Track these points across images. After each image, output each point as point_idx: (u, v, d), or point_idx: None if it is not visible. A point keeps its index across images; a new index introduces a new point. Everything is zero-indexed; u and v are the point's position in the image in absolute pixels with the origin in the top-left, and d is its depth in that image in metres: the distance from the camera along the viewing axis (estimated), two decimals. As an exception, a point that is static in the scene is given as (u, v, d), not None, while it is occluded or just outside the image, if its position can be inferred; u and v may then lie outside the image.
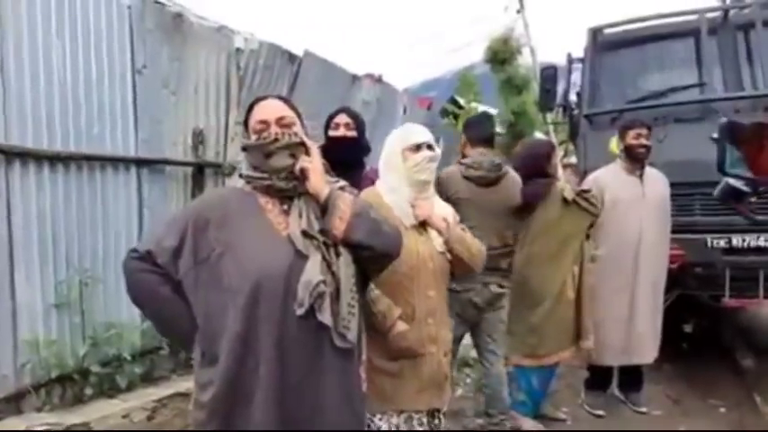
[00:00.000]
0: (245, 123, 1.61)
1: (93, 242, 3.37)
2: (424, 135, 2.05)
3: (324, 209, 1.51)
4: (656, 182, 3.62)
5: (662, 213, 3.60)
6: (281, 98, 1.66)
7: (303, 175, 1.53)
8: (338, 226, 1.49)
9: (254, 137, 1.56)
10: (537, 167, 3.26)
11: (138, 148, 3.60)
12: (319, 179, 1.54)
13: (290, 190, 1.55)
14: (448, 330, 2.11)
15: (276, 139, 1.53)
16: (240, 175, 1.65)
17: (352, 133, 2.53)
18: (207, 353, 1.47)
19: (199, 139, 3.95)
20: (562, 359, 3.37)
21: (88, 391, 3.18)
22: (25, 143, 3.00)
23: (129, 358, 3.34)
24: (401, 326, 1.92)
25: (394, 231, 1.63)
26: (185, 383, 3.38)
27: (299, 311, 1.41)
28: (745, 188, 2.38)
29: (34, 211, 3.07)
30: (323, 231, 1.50)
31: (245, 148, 1.60)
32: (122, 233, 3.52)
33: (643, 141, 3.51)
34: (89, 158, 3.32)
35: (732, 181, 2.41)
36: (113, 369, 3.29)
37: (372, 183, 2.17)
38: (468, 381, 4.29)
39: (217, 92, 4.11)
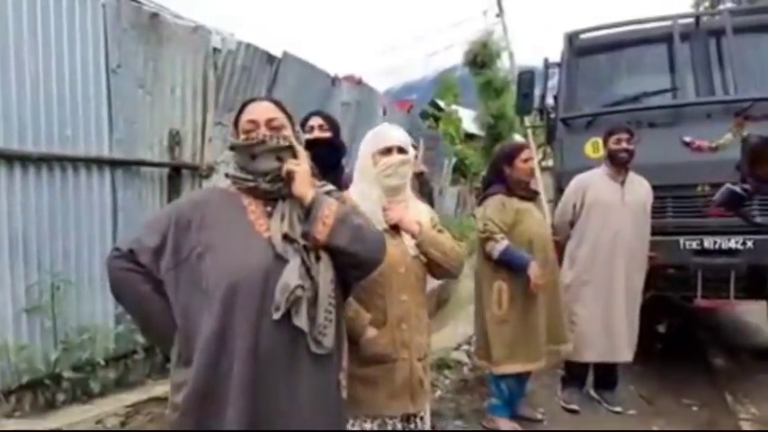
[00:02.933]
0: (236, 123, 1.60)
1: (66, 245, 3.31)
2: (395, 138, 2.00)
3: (308, 212, 1.50)
4: (638, 188, 3.69)
5: (641, 219, 3.67)
6: (273, 100, 1.64)
7: (289, 178, 1.52)
8: (321, 230, 1.48)
9: (242, 137, 1.55)
10: (495, 171, 3.34)
11: (112, 149, 3.54)
12: (305, 183, 1.53)
13: (275, 192, 1.54)
14: (423, 335, 2.07)
15: (263, 141, 1.52)
16: (226, 175, 1.64)
17: (326, 134, 2.52)
18: (183, 353, 1.46)
19: (175, 140, 3.91)
20: (521, 370, 3.28)
21: (60, 396, 3.12)
22: (-5, 144, 2.93)
23: (102, 363, 3.28)
24: (371, 332, 1.89)
25: (377, 238, 1.61)
26: (160, 388, 3.34)
27: (276, 315, 1.39)
28: (744, 194, 2.50)
29: (5, 212, 3.00)
30: (305, 235, 1.49)
31: (232, 147, 1.59)
32: (96, 235, 3.46)
33: (624, 146, 3.59)
34: (61, 159, 3.26)
35: (732, 186, 2.53)
36: (86, 374, 3.23)
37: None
38: (447, 382, 4.31)
39: (193, 92, 4.06)
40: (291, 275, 1.42)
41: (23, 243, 3.10)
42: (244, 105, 1.60)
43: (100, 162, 3.48)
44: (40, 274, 3.16)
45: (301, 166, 1.53)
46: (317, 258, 1.48)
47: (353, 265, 1.57)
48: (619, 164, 3.62)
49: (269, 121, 1.55)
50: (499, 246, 3.12)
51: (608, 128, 3.76)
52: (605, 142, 3.69)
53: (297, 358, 1.44)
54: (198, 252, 1.45)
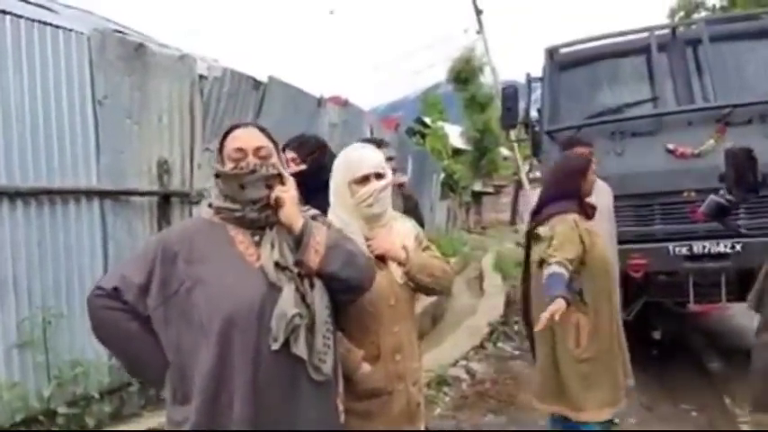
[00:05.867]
0: (220, 149, 1.55)
1: (57, 278, 3.28)
2: (371, 165, 1.86)
3: (298, 240, 1.49)
4: (602, 194, 3.65)
5: (609, 224, 3.64)
6: (258, 127, 1.60)
7: (278, 205, 1.50)
8: (313, 259, 1.47)
9: (229, 164, 1.51)
10: (565, 186, 2.87)
11: (100, 180, 3.53)
12: (294, 210, 1.51)
13: (262, 220, 1.52)
14: (416, 361, 2.01)
15: (254, 171, 1.49)
16: (209, 205, 1.59)
17: (300, 167, 2.48)
18: (179, 390, 1.44)
19: (164, 168, 3.91)
20: (606, 417, 2.76)
21: (55, 432, 3.07)
22: (-18, 179, 2.92)
23: (97, 396, 3.24)
24: (365, 367, 1.82)
25: (367, 262, 1.61)
26: (157, 419, 3.29)
27: (275, 346, 1.38)
28: (728, 204, 2.55)
29: (-7, 248, 2.98)
30: (297, 263, 1.47)
31: (218, 175, 1.53)
32: (87, 267, 3.43)
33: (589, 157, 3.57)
34: (50, 192, 3.25)
35: (716, 198, 2.58)
36: (81, 409, 3.18)
37: None
38: (447, 399, 4.28)
39: (181, 120, 4.08)
40: (287, 304, 1.41)
41: (14, 277, 3.07)
42: (228, 132, 1.56)
43: (88, 193, 3.47)
44: (31, 308, 3.13)
45: (289, 193, 1.52)
46: (311, 285, 1.48)
47: (344, 290, 1.56)
48: None
49: (257, 150, 1.51)
50: (548, 269, 2.60)
51: (567, 140, 3.74)
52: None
53: (297, 386, 1.43)
54: (187, 286, 1.43)
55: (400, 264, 1.90)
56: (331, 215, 1.90)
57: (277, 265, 1.45)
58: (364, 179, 1.84)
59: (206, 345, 1.38)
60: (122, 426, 3.33)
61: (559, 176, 2.96)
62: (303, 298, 1.44)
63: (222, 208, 1.53)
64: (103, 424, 3.28)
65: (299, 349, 1.41)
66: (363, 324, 1.83)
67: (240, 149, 1.51)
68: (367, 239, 1.87)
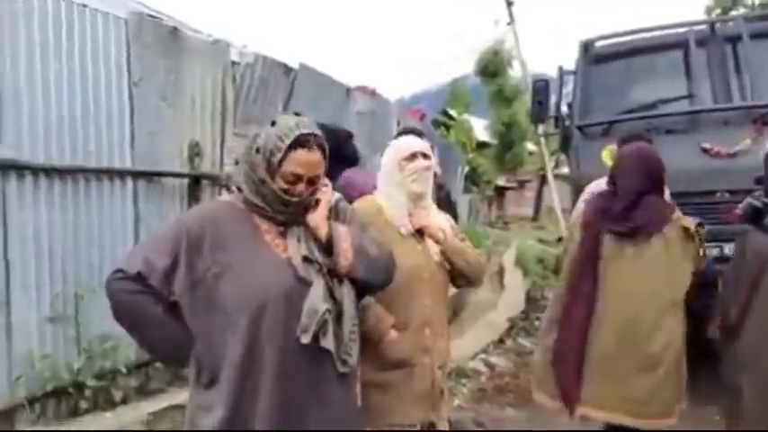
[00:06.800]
0: (280, 161, 1.46)
1: (89, 255, 3.37)
2: (418, 145, 2.07)
3: (327, 247, 1.52)
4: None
5: None
6: (320, 146, 1.51)
7: (315, 204, 1.54)
8: (343, 265, 1.51)
9: (281, 182, 1.46)
10: (661, 179, 2.68)
11: (134, 161, 3.60)
12: (322, 216, 1.54)
13: (291, 219, 1.53)
14: (444, 342, 2.07)
15: (301, 202, 1.50)
16: (231, 190, 1.58)
17: None
18: (204, 374, 1.45)
19: (195, 151, 3.96)
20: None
21: (83, 404, 3.16)
22: (21, 157, 3.00)
23: (124, 371, 3.33)
24: (393, 334, 1.87)
25: (388, 261, 1.64)
26: (181, 395, 3.36)
27: (305, 339, 1.41)
28: (764, 207, 2.52)
29: (31, 224, 3.07)
30: (329, 271, 1.50)
31: (263, 181, 1.47)
32: (119, 245, 3.51)
33: None
34: (85, 171, 3.33)
35: (752, 200, 2.54)
36: (108, 382, 3.28)
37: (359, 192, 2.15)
38: (465, 391, 4.29)
39: (213, 104, 4.13)
40: (318, 299, 1.43)
41: (49, 253, 3.16)
42: (296, 143, 1.46)
43: (122, 173, 3.54)
44: (65, 284, 3.22)
45: (325, 196, 1.56)
46: (340, 281, 1.51)
47: (368, 289, 1.64)
48: None
49: (311, 178, 1.50)
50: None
51: (625, 135, 3.71)
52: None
53: (323, 377, 1.47)
54: (214, 273, 1.42)
55: (437, 242, 2.02)
56: (378, 193, 2.08)
57: (305, 258, 1.47)
58: (412, 156, 2.02)
59: (234, 333, 1.40)
60: (148, 400, 3.40)
61: (647, 167, 2.66)
62: (331, 292, 1.47)
63: (255, 205, 1.51)
64: (130, 397, 3.37)
65: (328, 343, 1.44)
66: (396, 294, 1.87)
67: (298, 175, 1.47)
68: (410, 214, 2.02)
